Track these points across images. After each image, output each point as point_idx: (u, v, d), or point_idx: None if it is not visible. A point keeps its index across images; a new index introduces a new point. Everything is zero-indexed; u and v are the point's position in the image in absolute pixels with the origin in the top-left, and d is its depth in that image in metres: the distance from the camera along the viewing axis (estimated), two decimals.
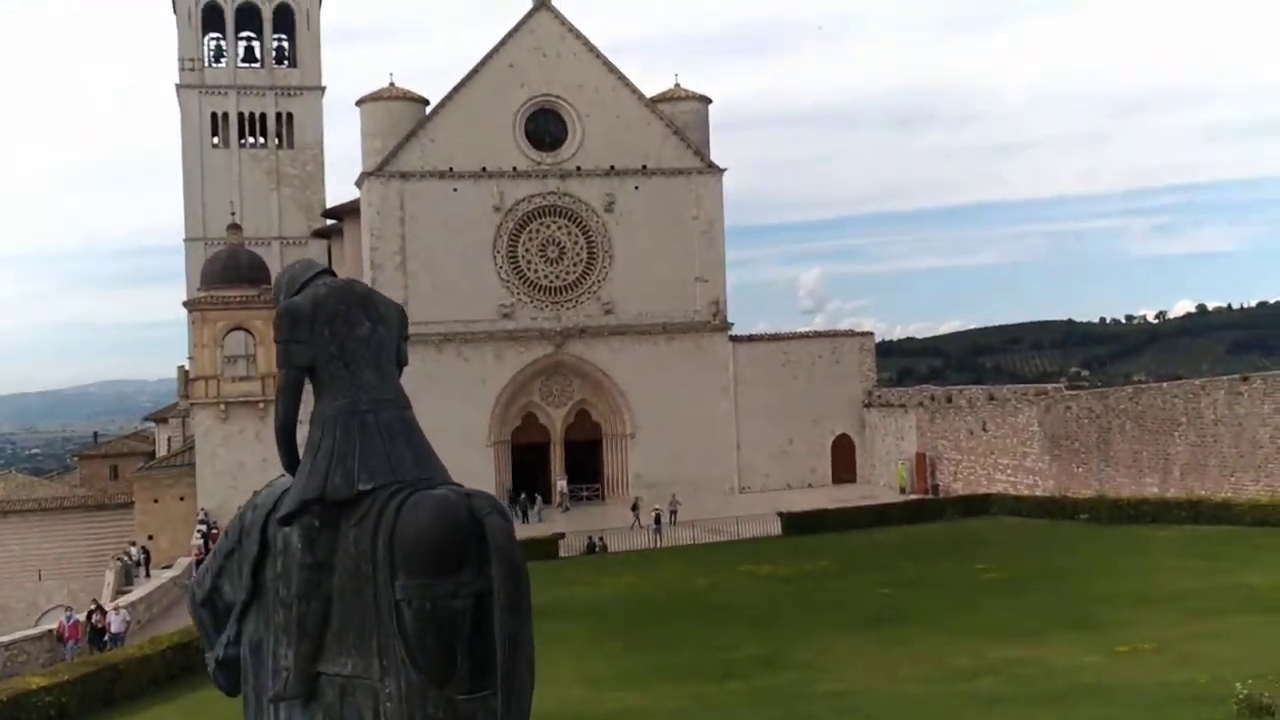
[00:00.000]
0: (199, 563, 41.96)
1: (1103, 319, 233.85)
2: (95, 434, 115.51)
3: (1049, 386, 57.14)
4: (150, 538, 58.20)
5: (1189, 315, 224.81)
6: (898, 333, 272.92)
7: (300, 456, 6.44)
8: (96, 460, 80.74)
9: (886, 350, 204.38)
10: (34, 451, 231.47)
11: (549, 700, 22.83)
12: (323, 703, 6.12)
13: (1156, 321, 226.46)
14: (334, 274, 6.81)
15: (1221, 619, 24.66)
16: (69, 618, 34.64)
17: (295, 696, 6.14)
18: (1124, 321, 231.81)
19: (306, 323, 6.41)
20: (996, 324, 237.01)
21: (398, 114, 63.05)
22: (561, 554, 47.49)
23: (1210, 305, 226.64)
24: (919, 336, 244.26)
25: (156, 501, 60.30)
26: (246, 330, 58.47)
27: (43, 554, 62.63)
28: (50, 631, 34.31)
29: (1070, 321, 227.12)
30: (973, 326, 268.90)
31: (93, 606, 36.38)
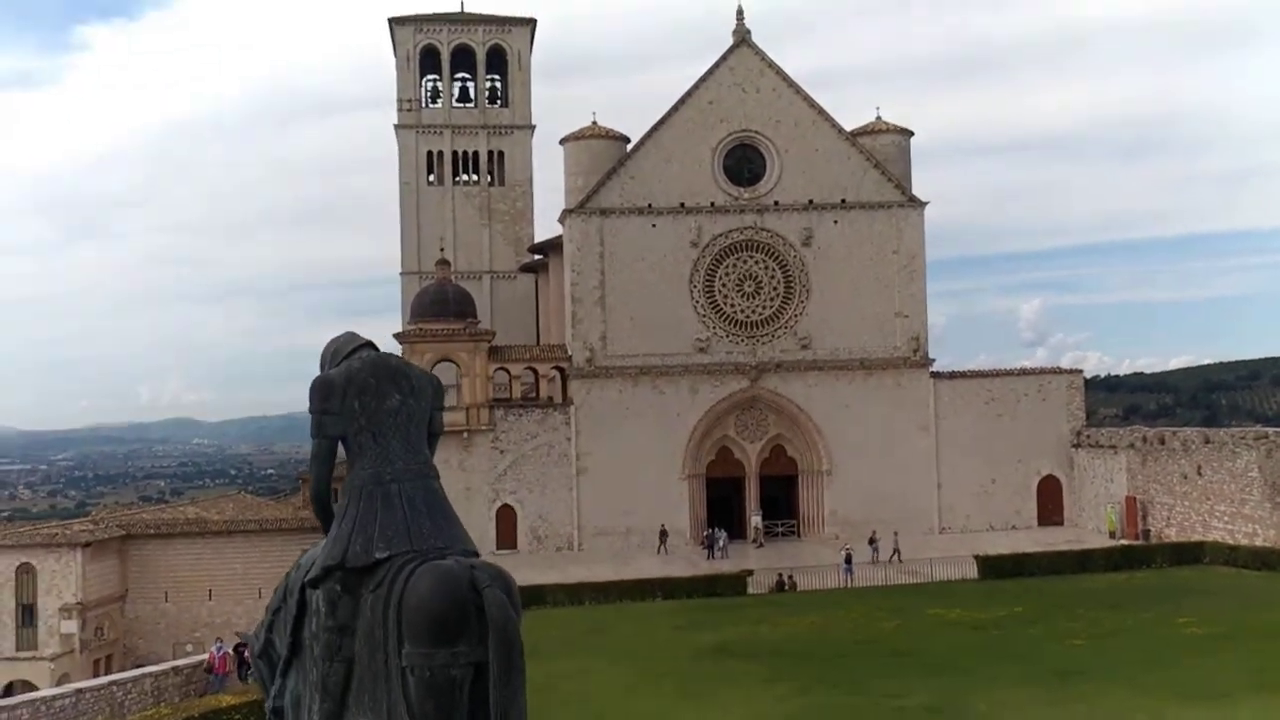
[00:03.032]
0: None
1: None
2: None
3: (1270, 430, 53.86)
4: None
5: None
6: (1125, 367, 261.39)
7: None
8: None
9: (1113, 386, 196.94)
10: (269, 472, 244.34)
11: None
12: None
13: None
14: (375, 348, 7.11)
15: None
16: (219, 649, 35.81)
17: None
18: None
19: (339, 395, 6.71)
20: (1232, 359, 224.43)
21: (599, 151, 64.29)
22: (750, 591, 47.33)
23: None
24: (1148, 371, 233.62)
25: None
26: (453, 361, 60.49)
27: (262, 572, 65.77)
28: (202, 662, 35.43)
29: None
30: (1206, 361, 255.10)
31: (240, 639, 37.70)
